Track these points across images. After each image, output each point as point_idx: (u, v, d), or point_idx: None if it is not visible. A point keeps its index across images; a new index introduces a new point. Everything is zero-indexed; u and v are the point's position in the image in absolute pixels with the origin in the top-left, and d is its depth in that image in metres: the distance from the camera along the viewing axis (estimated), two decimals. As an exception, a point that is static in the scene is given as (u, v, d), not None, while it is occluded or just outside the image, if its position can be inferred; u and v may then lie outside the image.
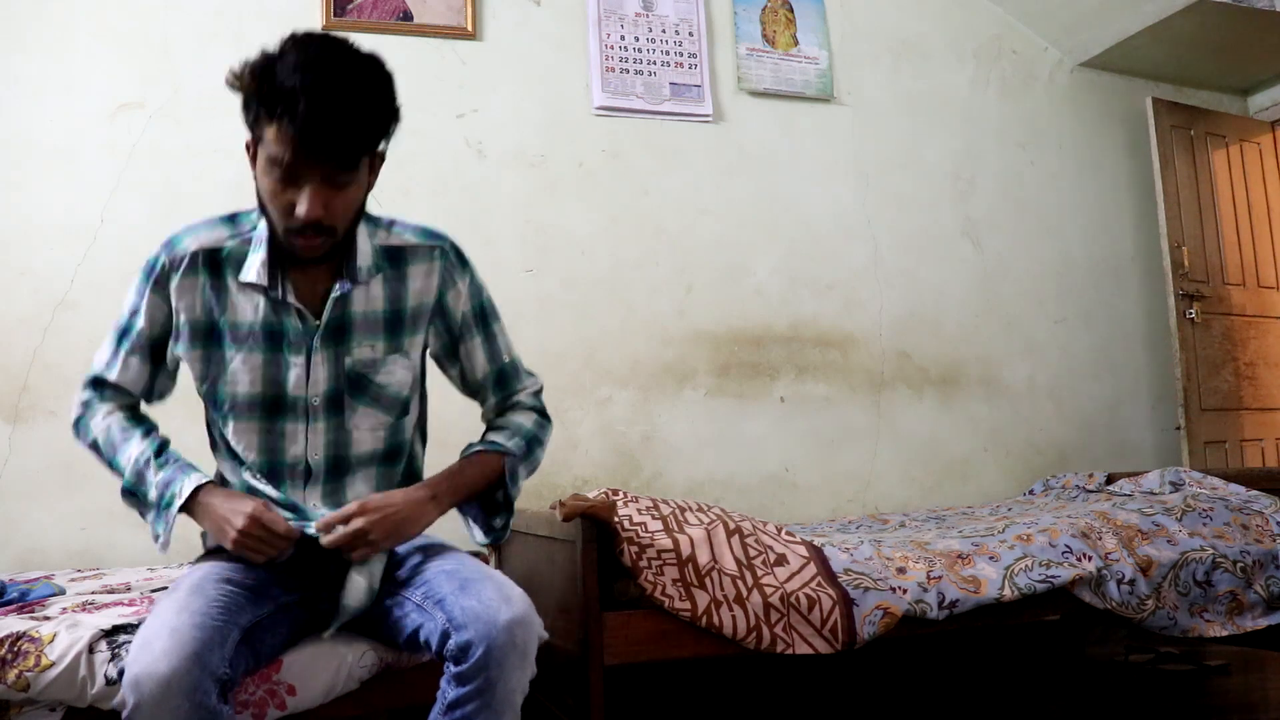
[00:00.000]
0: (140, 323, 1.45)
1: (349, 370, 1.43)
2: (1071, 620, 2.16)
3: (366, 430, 1.46)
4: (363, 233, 1.42)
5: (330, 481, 1.46)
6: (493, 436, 1.53)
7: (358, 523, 1.33)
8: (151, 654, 1.16)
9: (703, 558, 1.92)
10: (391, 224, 1.47)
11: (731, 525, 1.99)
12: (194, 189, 2.70)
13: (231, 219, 1.45)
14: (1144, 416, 3.78)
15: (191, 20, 2.81)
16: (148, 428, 1.51)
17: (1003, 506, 2.98)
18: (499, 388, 1.57)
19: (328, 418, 1.44)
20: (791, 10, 3.46)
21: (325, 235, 1.31)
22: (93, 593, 1.89)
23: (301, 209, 1.26)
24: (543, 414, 1.60)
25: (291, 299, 1.39)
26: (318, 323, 1.41)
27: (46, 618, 1.61)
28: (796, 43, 3.45)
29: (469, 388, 1.59)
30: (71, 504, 2.51)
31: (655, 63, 3.26)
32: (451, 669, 1.26)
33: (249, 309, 1.41)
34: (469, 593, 1.30)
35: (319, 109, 1.20)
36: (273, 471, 1.45)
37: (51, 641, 1.43)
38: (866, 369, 3.37)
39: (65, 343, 2.57)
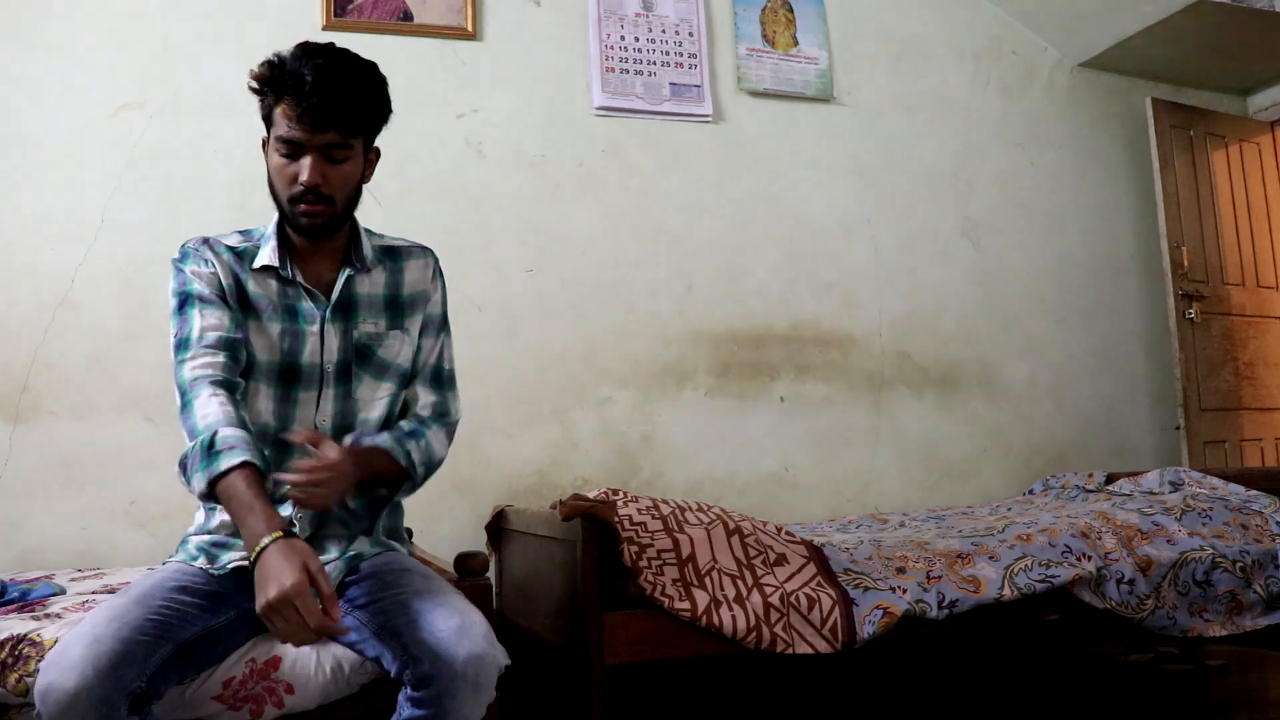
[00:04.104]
0: (195, 283, 1.50)
1: (356, 342, 1.55)
2: (1071, 620, 2.16)
3: (371, 399, 1.57)
4: (362, 232, 1.60)
5: None
6: (415, 453, 1.53)
7: (322, 474, 1.32)
8: (64, 664, 1.17)
9: (703, 557, 1.92)
10: (383, 235, 1.66)
11: (731, 525, 1.99)
12: (194, 189, 2.70)
13: (241, 231, 1.60)
14: (1144, 416, 3.78)
15: (191, 20, 2.81)
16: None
17: (1002, 506, 2.98)
18: (434, 386, 1.64)
19: (338, 385, 1.55)
20: (791, 10, 3.46)
21: (325, 204, 1.46)
22: (93, 593, 1.89)
23: (304, 176, 1.43)
24: (449, 440, 1.64)
25: (300, 280, 1.54)
26: (327, 300, 1.54)
27: (49, 615, 1.61)
28: (796, 43, 3.45)
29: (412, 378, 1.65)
30: (71, 504, 2.52)
31: (655, 63, 3.26)
32: (410, 693, 1.30)
33: (266, 289, 1.54)
34: (423, 625, 1.32)
35: (321, 83, 1.40)
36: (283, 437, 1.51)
37: (53, 645, 1.43)
38: (866, 369, 3.37)
39: (65, 343, 2.57)
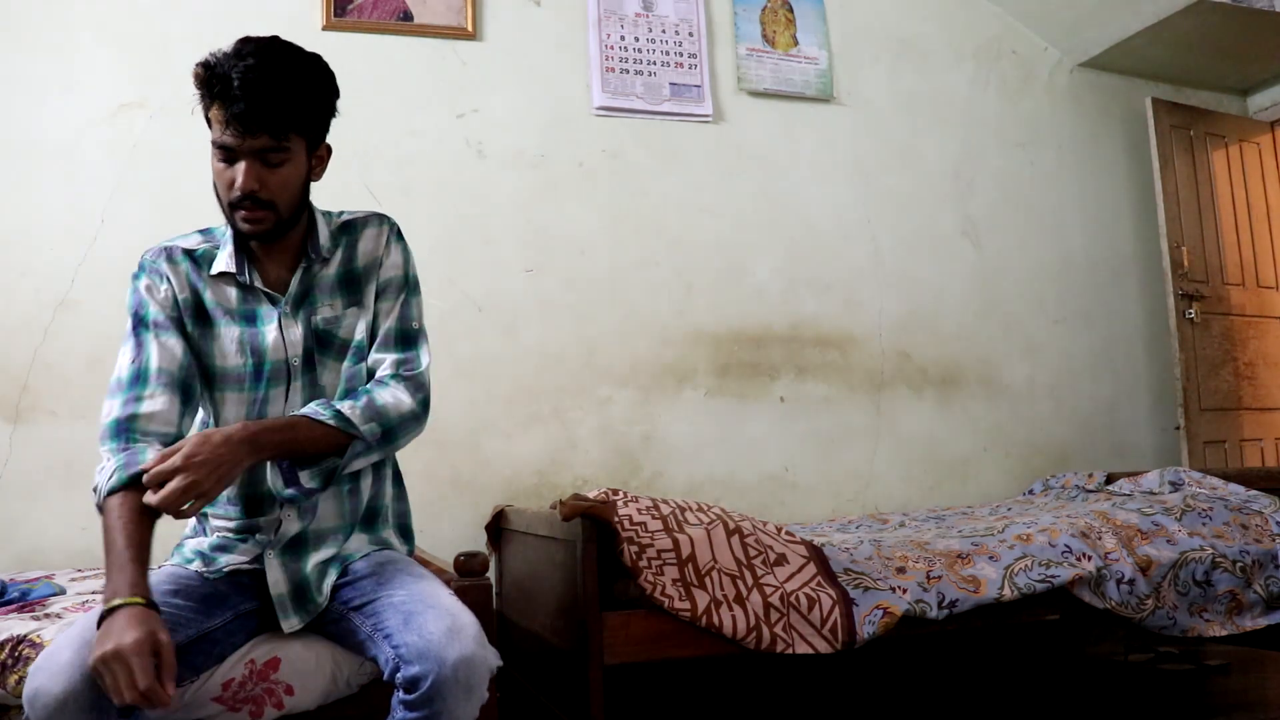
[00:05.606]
0: (151, 306, 1.47)
1: (315, 328, 1.51)
2: (1071, 620, 2.16)
3: (336, 382, 1.52)
4: (320, 220, 1.55)
5: None
6: (350, 410, 1.42)
7: (179, 481, 1.26)
8: (52, 668, 1.16)
9: (703, 557, 1.92)
10: (341, 212, 1.61)
11: (731, 525, 1.99)
12: (194, 189, 2.67)
13: (202, 231, 1.56)
14: (1144, 416, 3.78)
15: (191, 20, 2.81)
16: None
17: (1002, 506, 2.98)
18: (399, 346, 1.53)
19: (304, 376, 1.51)
20: (791, 10, 3.46)
21: (265, 209, 1.41)
22: (93, 593, 1.89)
23: (239, 182, 1.38)
24: (423, 404, 1.51)
25: (259, 284, 1.50)
26: (283, 297, 1.50)
27: (48, 615, 1.61)
28: (796, 43, 3.45)
29: (373, 346, 1.55)
30: (71, 504, 2.51)
31: (655, 63, 3.26)
32: (401, 695, 1.28)
33: (223, 297, 1.51)
34: (413, 627, 1.30)
35: (248, 87, 1.34)
36: None
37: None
38: (866, 369, 3.37)
39: (65, 343, 2.57)
